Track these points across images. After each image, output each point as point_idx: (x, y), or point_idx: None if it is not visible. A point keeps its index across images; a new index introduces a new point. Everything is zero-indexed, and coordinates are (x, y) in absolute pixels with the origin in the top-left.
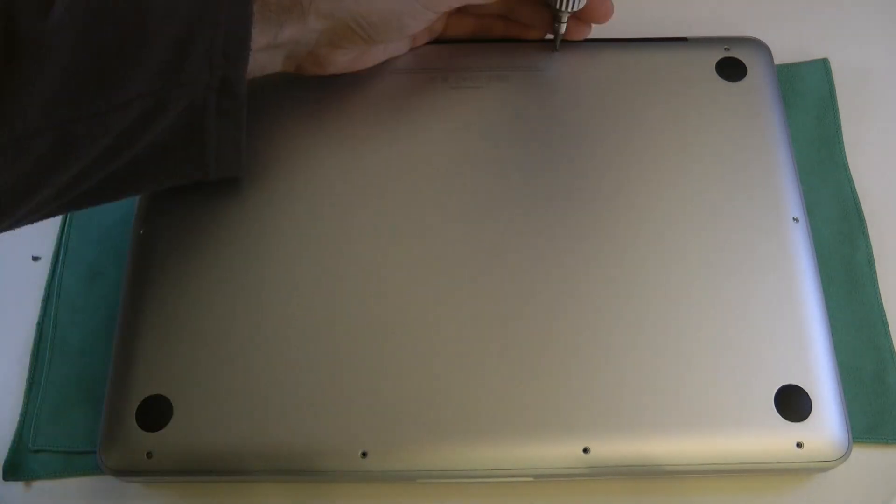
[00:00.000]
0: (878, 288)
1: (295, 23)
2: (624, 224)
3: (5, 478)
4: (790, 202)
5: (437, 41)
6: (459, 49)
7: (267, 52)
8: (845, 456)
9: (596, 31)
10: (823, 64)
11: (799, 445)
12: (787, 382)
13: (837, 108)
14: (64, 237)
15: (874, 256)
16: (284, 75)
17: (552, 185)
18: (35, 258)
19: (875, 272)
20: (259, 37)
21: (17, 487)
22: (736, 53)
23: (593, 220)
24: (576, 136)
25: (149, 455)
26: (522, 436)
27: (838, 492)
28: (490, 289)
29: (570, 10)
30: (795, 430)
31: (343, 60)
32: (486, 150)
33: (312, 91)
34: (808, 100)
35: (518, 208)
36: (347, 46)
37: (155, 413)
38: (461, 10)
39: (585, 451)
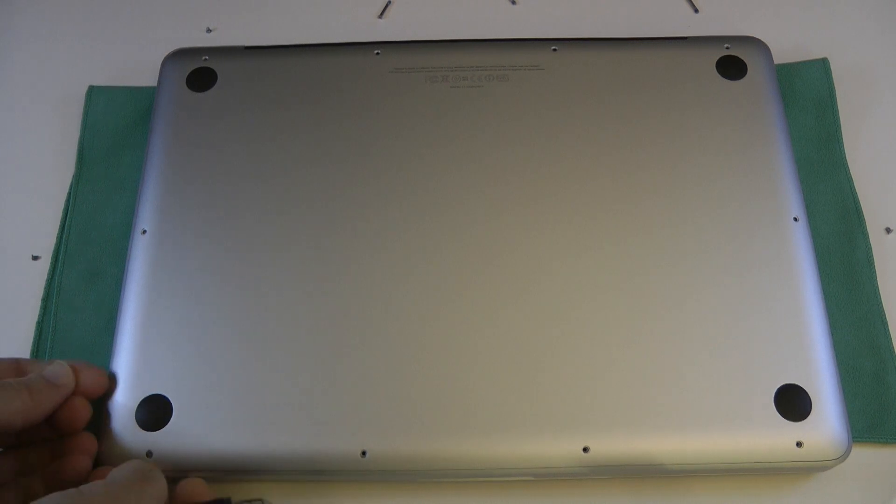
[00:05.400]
0: (877, 287)
1: None
2: (624, 223)
3: None
4: (790, 201)
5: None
6: (459, 49)
7: None
8: (845, 455)
9: (597, 30)
10: (823, 64)
11: (799, 445)
12: (787, 382)
13: (837, 108)
14: (64, 237)
15: (874, 255)
16: (285, 76)
17: (552, 185)
18: (35, 258)
19: (874, 271)
20: None
21: None
22: (736, 52)
23: (593, 219)
24: (576, 135)
25: (149, 454)
26: (522, 436)
27: (838, 491)
28: (490, 289)
29: None
30: (795, 430)
31: None
32: (485, 149)
33: (312, 91)
34: (808, 99)
35: (518, 208)
36: None
37: (155, 412)
38: None
39: (585, 450)
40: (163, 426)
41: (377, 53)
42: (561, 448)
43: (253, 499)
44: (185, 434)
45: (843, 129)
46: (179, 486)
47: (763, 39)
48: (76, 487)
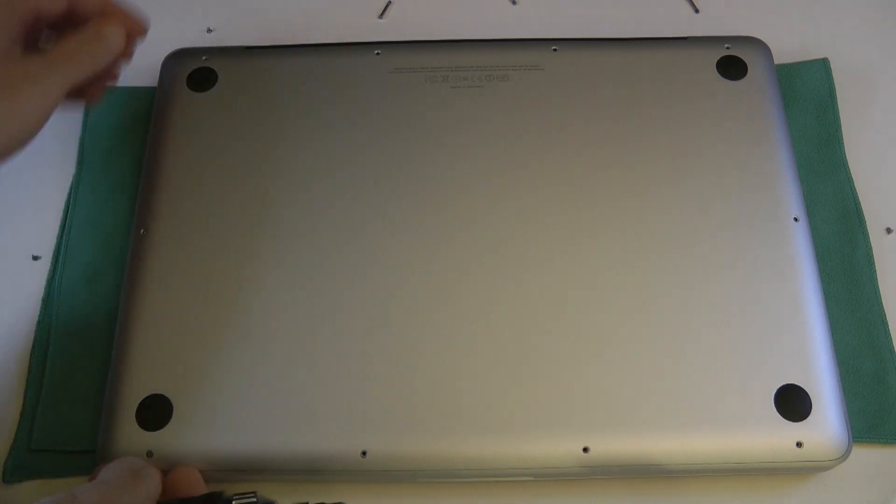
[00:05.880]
0: (877, 287)
1: None
2: (624, 223)
3: (5, 478)
4: (790, 202)
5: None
6: (459, 49)
7: None
8: (845, 455)
9: (597, 30)
10: (823, 64)
11: (799, 445)
12: (787, 382)
13: (837, 108)
14: (64, 237)
15: (874, 255)
16: (285, 76)
17: (552, 185)
18: (35, 258)
19: (875, 271)
20: None
21: (15, 487)
22: (736, 52)
23: (593, 219)
24: (576, 135)
25: (149, 454)
26: (522, 436)
27: (838, 492)
28: (490, 289)
29: None
30: (795, 430)
31: None
32: (485, 149)
33: (312, 91)
34: (808, 99)
35: (518, 208)
36: None
37: (155, 412)
38: None
39: (585, 450)
40: (163, 426)
41: (377, 53)
42: (561, 448)
43: (246, 492)
44: (185, 434)
45: (843, 129)
46: (171, 476)
47: (763, 39)
48: (69, 492)
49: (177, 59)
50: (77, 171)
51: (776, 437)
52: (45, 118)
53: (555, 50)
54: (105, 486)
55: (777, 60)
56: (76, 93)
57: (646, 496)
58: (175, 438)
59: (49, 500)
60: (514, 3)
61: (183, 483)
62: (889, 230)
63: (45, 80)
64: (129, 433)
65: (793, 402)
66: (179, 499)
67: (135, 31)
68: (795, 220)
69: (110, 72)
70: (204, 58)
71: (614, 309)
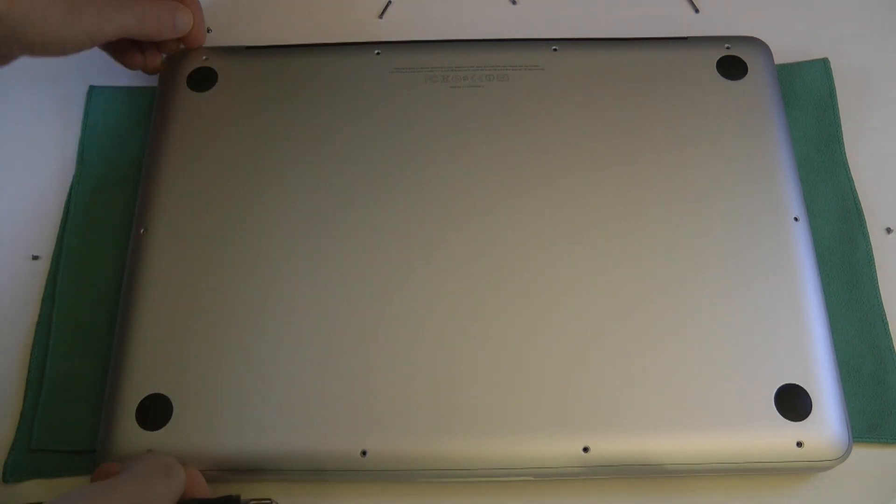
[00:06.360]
0: (877, 287)
1: None
2: (624, 223)
3: (5, 478)
4: (791, 201)
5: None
6: (459, 49)
7: None
8: (845, 455)
9: (597, 30)
10: (823, 64)
11: (799, 445)
12: (788, 382)
13: (837, 108)
14: (64, 237)
15: (874, 255)
16: (285, 76)
17: (552, 185)
18: (35, 258)
19: (875, 271)
20: None
21: (16, 487)
22: (737, 52)
23: (593, 219)
24: (576, 135)
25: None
26: (522, 435)
27: (838, 492)
28: (490, 288)
29: None
30: (795, 430)
31: None
32: (485, 149)
33: (312, 91)
34: (808, 99)
35: (519, 207)
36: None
37: (155, 412)
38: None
39: (585, 450)
40: (163, 426)
41: (377, 53)
42: (561, 448)
43: (262, 498)
44: (185, 433)
45: (843, 129)
46: None
47: (763, 39)
48: (107, 480)
49: (177, 58)
50: (77, 171)
51: (776, 437)
52: (90, 45)
53: (555, 50)
54: (141, 479)
55: (777, 60)
56: (120, 51)
57: (646, 496)
58: (175, 438)
59: (86, 488)
60: (514, 3)
61: (188, 486)
62: (889, 230)
63: (107, 17)
64: (129, 433)
65: (793, 402)
66: (196, 499)
67: (190, 36)
68: (795, 219)
69: (153, 52)
70: (204, 58)
71: (614, 309)
